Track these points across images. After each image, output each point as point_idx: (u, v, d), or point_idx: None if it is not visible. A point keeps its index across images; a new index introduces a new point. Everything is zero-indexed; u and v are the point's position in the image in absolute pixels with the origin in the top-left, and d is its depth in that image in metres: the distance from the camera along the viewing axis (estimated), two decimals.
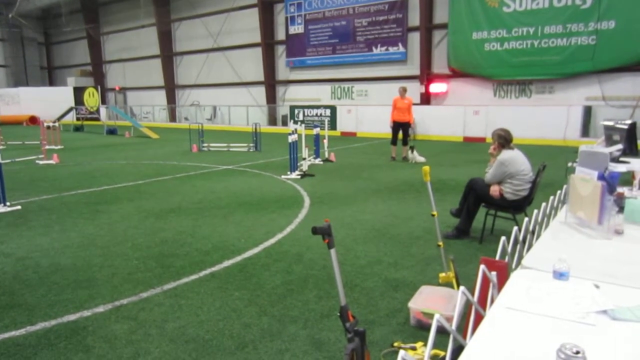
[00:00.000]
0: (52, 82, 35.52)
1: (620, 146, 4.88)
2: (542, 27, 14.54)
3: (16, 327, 3.06)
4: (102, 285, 3.74)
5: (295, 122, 14.87)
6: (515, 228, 2.45)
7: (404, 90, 10.85)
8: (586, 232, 2.38)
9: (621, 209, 2.55)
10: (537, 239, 2.46)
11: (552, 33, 14.40)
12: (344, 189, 7.59)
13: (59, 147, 14.33)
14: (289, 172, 8.78)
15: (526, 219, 2.62)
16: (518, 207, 4.57)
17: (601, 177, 2.36)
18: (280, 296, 3.48)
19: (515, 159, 4.54)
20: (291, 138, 8.76)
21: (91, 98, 26.58)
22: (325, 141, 11.80)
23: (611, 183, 2.42)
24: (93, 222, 5.65)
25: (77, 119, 25.27)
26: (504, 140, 4.63)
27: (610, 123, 5.76)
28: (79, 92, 27.11)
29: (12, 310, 3.31)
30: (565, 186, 2.99)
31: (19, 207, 6.41)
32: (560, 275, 1.73)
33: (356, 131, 18.44)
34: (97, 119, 25.65)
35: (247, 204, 6.51)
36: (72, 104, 25.62)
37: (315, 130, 10.97)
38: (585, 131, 13.81)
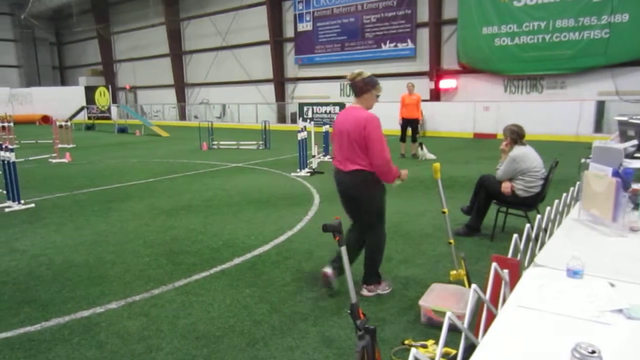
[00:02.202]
0: (63, 82, 35.93)
1: (635, 142, 4.79)
2: (554, 21, 14.31)
3: (31, 322, 3.11)
4: (114, 281, 3.78)
5: (305, 120, 14.85)
6: (528, 225, 2.42)
7: (412, 87, 10.79)
8: (600, 229, 2.34)
9: (636, 206, 2.50)
10: (549, 236, 2.43)
11: (563, 27, 14.17)
12: None
13: (71, 145, 14.51)
14: (298, 170, 8.79)
15: (538, 216, 2.58)
16: (530, 204, 4.52)
17: (615, 174, 2.32)
18: (290, 293, 3.49)
19: (527, 155, 4.49)
20: (300, 135, 8.77)
21: (102, 97, 26.81)
22: None
23: (626, 179, 2.37)
24: (105, 220, 5.72)
25: (89, 118, 25.56)
26: (516, 135, 4.57)
27: (624, 118, 5.65)
28: (90, 91, 27.35)
29: (26, 306, 3.36)
30: (578, 183, 2.95)
31: (33, 204, 6.50)
32: (574, 273, 1.70)
33: None
34: (108, 118, 25.90)
35: (256, 202, 6.53)
36: (84, 103, 25.88)
37: (325, 128, 10.96)
38: (599, 127, 13.59)
